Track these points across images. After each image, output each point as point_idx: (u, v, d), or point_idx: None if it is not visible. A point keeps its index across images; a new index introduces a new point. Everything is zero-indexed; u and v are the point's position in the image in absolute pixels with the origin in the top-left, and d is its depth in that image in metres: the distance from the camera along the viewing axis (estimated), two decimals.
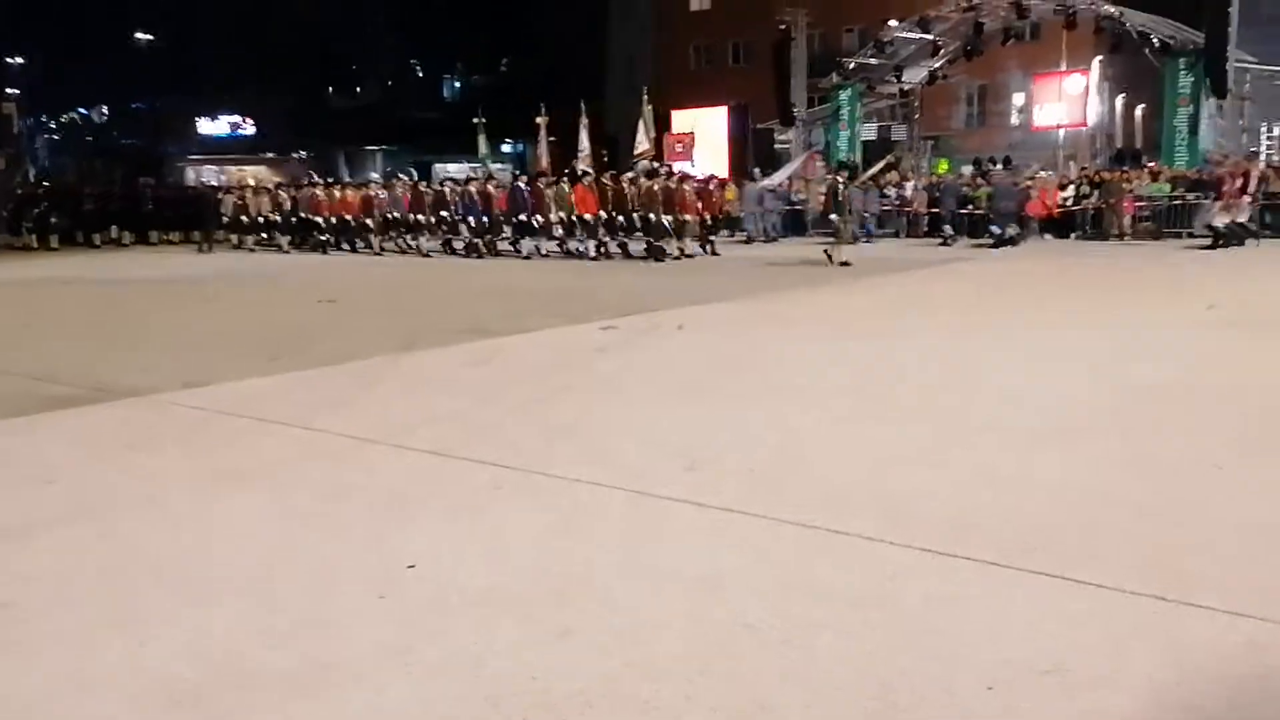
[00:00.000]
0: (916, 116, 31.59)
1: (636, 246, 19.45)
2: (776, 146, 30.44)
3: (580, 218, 19.55)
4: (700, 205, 19.38)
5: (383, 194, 22.77)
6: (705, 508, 4.30)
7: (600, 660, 2.99)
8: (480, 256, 20.61)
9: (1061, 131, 32.18)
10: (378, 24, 60.75)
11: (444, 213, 21.38)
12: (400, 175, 25.07)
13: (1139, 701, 2.69)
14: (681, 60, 45.40)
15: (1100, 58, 32.50)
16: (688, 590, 3.46)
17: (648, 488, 4.59)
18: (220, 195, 26.00)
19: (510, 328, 9.91)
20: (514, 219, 20.47)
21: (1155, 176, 22.35)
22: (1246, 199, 18.71)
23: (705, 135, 33.19)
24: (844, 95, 29.32)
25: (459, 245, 21.38)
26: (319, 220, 23.19)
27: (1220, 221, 18.71)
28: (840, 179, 18.48)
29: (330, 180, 26.67)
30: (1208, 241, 18.74)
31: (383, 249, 22.63)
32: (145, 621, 3.32)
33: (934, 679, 2.83)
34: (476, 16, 60.58)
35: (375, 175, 39.27)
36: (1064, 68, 32.00)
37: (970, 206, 22.61)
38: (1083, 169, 24.45)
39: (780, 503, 4.33)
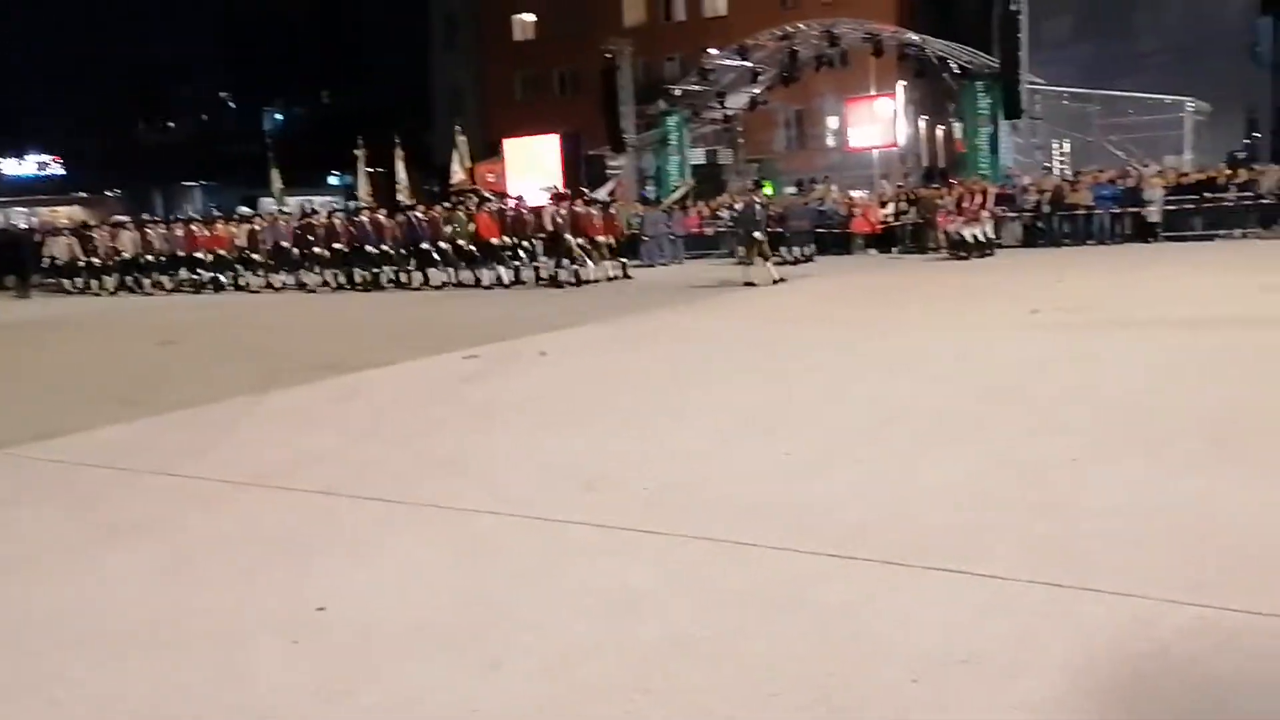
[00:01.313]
0: (740, 141, 32.69)
1: (543, 273, 19.22)
2: (609, 172, 30.88)
3: (486, 244, 19.14)
4: (604, 229, 19.31)
5: (262, 228, 21.99)
6: (610, 529, 4.33)
7: (537, 688, 2.98)
8: (367, 290, 19.98)
9: (875, 152, 33.95)
10: (189, 56, 58.30)
11: (336, 245, 20.56)
12: (276, 208, 24.24)
13: (1055, 685, 2.86)
14: (508, 90, 45.50)
15: (904, 82, 34.51)
16: (611, 612, 3.48)
17: (547, 513, 4.59)
18: (42, 237, 24.35)
19: (368, 362, 9.67)
20: (411, 248, 19.90)
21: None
22: (986, 214, 20.52)
23: (538, 163, 33.35)
24: (671, 121, 30.06)
25: (356, 279, 20.63)
26: (198, 257, 22.19)
27: (967, 234, 20.49)
28: (757, 199, 18.47)
29: (211, 216, 25.68)
30: (954, 255, 20.60)
31: (270, 283, 21.76)
32: (53, 684, 3.12)
33: (863, 677, 2.96)
34: (294, 47, 58.98)
35: (192, 212, 37.40)
36: (873, 92, 33.83)
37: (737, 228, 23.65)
38: (899, 186, 25.83)
39: (683, 519, 4.41)
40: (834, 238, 23.50)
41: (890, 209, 23.61)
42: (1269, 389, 6.71)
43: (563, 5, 42.42)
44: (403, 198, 26.13)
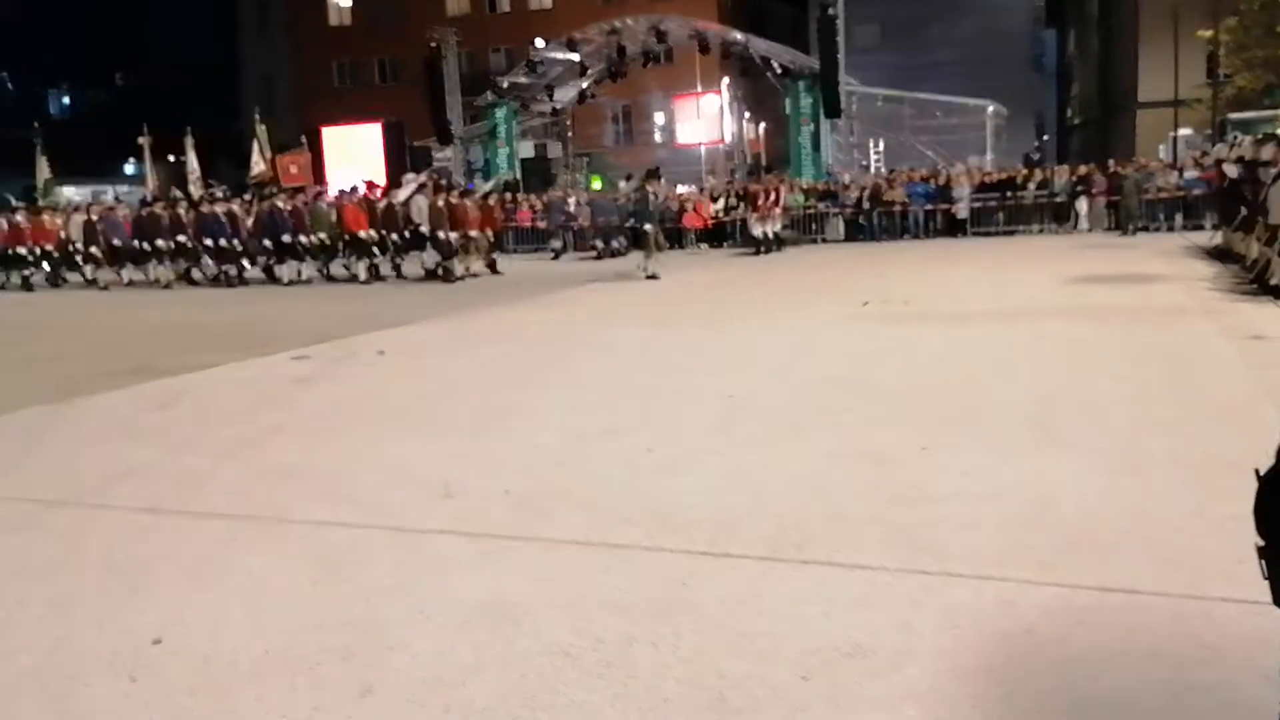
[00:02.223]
0: (569, 134, 32.63)
1: (411, 267, 18.41)
2: (435, 164, 30.22)
3: (353, 236, 18.04)
4: (482, 222, 18.59)
5: (99, 219, 19.82)
6: (475, 536, 4.14)
7: (415, 713, 2.78)
8: (230, 285, 18.56)
9: (703, 148, 34.58)
10: None
11: (181, 237, 18.92)
12: (118, 198, 22.00)
13: (937, 673, 2.90)
14: (325, 77, 43.82)
15: (729, 80, 35.32)
16: (486, 625, 3.31)
17: (406, 523, 4.35)
18: None
19: (188, 365, 9.03)
20: (273, 241, 18.51)
21: (790, 188, 24.59)
22: (778, 211, 21.48)
23: (360, 153, 32.24)
24: (499, 114, 29.70)
25: (200, 275, 19.15)
26: (20, 252, 19.96)
27: (758, 231, 21.36)
28: (651, 189, 17.93)
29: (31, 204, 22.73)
30: (752, 250, 21.35)
31: (96, 280, 19.81)
32: None
33: (754, 677, 2.90)
34: (81, 26, 54.87)
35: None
36: (699, 89, 34.44)
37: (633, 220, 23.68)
38: (728, 182, 26.37)
39: (550, 523, 4.27)
40: (666, 233, 23.71)
41: (720, 204, 24.04)
42: (1082, 375, 7.16)
43: None
44: (194, 189, 24.80)
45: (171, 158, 28.21)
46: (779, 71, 28.53)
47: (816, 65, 27.42)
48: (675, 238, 23.59)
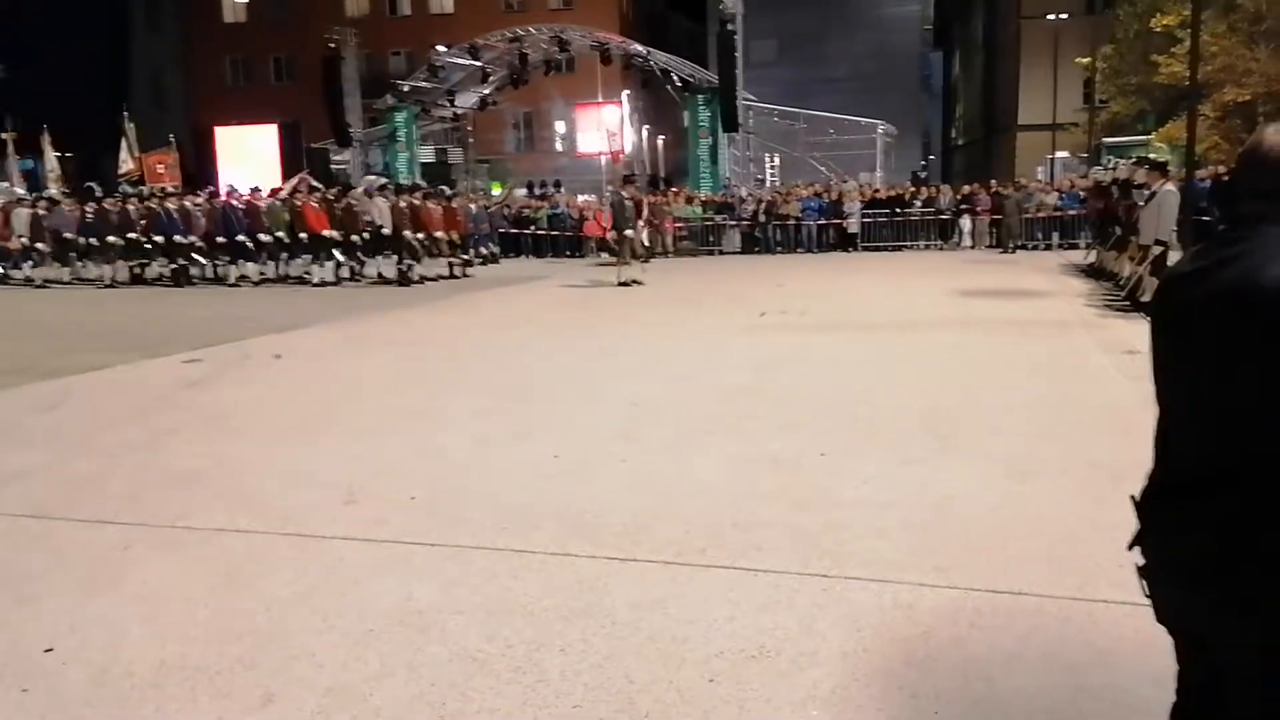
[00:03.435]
0: (470, 140, 32.37)
1: (371, 269, 17.83)
2: (333, 167, 29.60)
3: (314, 236, 17.25)
4: (446, 224, 18.03)
5: (45, 213, 18.58)
6: (379, 543, 4.09)
7: None
8: (179, 284, 17.67)
9: (603, 158, 34.68)
10: None
11: (131, 234, 17.88)
12: (57, 192, 20.35)
13: (839, 674, 2.99)
14: (217, 74, 42.50)
15: (629, 91, 35.53)
16: (393, 632, 3.28)
17: (308, 529, 4.27)
18: None
19: (75, 366, 8.68)
20: (225, 240, 17.65)
21: (689, 200, 24.87)
22: (642, 223, 21.90)
23: (254, 154, 31.35)
24: (400, 117, 29.29)
25: (152, 273, 18.12)
26: None
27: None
28: (625, 194, 17.64)
29: None
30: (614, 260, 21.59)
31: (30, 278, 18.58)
32: None
33: (661, 680, 2.95)
34: None
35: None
36: (600, 99, 34.57)
37: (533, 227, 23.72)
38: (646, 193, 26.48)
39: (455, 528, 4.25)
40: (567, 241, 23.78)
41: None
42: (973, 385, 7.42)
43: None
44: (53, 188, 23.82)
45: (9, 158, 26.86)
46: (679, 84, 28.87)
47: (715, 79, 27.83)
48: (575, 246, 23.64)
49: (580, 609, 3.44)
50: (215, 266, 18.28)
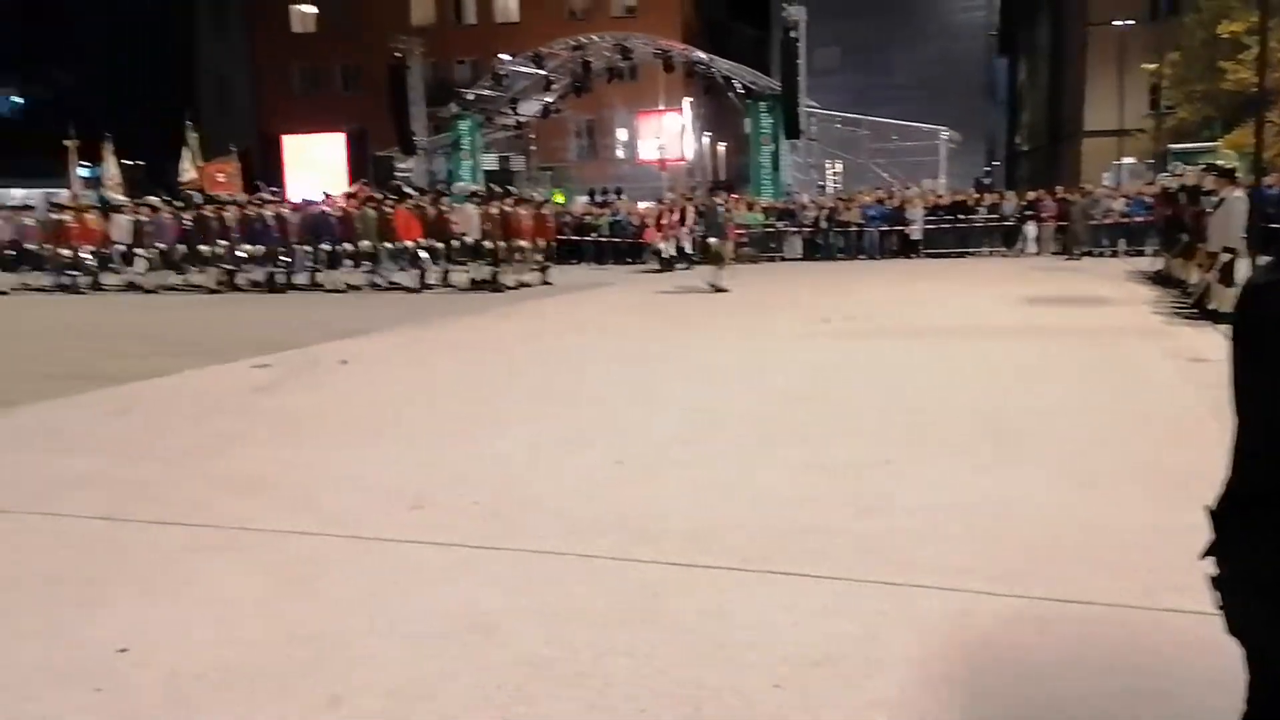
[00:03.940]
0: (533, 148, 32.63)
1: (460, 276, 18.02)
2: (398, 174, 30.05)
3: (403, 245, 17.43)
4: (534, 231, 18.05)
5: (148, 220, 19.01)
6: (445, 547, 4.12)
7: None
8: (275, 291, 17.91)
9: (665, 165, 34.76)
10: None
11: (224, 241, 18.20)
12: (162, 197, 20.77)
13: (904, 681, 2.94)
14: (285, 83, 43.39)
15: (691, 99, 35.57)
16: (457, 636, 3.29)
17: (373, 533, 4.31)
18: None
19: (139, 371, 8.89)
20: (317, 247, 17.98)
21: (750, 207, 24.80)
22: (684, 230, 21.80)
23: (321, 162, 31.95)
24: (464, 125, 29.64)
25: (244, 280, 18.46)
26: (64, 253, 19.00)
27: (663, 248, 21.81)
28: (719, 201, 17.58)
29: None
30: (657, 266, 21.76)
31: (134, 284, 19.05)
32: None
33: (726, 686, 2.92)
34: (33, 24, 53.67)
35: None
36: (662, 107, 34.65)
37: (594, 234, 23.86)
38: (686, 199, 26.50)
39: (519, 534, 4.26)
40: (628, 248, 23.86)
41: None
42: (1036, 391, 7.30)
43: None
44: (113, 194, 24.46)
45: (124, 162, 27.65)
46: (741, 92, 28.81)
47: (778, 86, 27.73)
48: (636, 252, 23.71)
49: (644, 614, 3.42)
50: (314, 273, 18.49)
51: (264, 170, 32.80)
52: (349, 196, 20.38)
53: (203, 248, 18.41)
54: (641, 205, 27.50)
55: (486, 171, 30.19)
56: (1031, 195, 24.11)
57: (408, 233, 17.43)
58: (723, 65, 29.02)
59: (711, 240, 16.63)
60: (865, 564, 3.83)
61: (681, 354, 9.75)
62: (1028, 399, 7.04)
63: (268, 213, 18.52)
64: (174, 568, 4.00)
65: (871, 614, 3.40)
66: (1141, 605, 3.36)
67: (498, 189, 19.69)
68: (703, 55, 29.13)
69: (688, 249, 21.79)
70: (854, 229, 23.73)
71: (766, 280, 19.22)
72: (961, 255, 22.98)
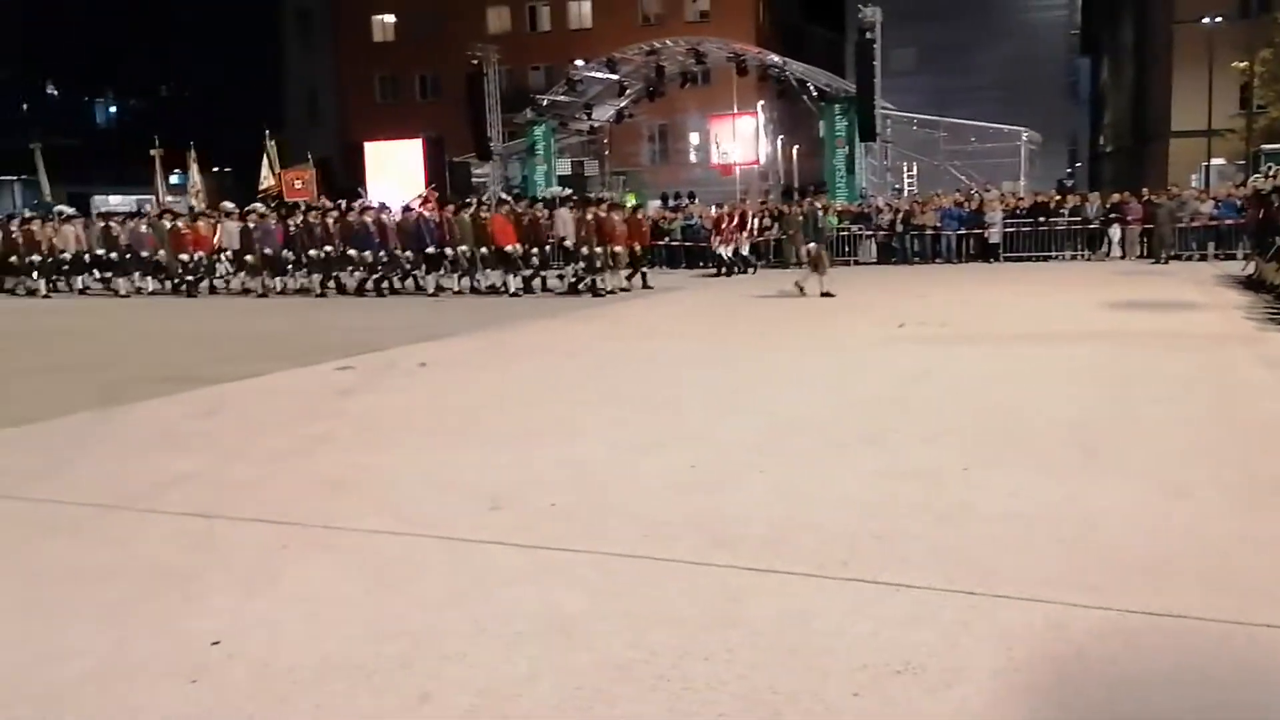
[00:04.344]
0: (606, 153, 32.84)
1: (557, 281, 18.28)
2: (474, 180, 30.50)
3: (498, 250, 17.64)
4: (630, 236, 18.02)
5: (251, 226, 19.49)
6: (525, 548, 4.19)
7: None
8: (381, 295, 18.33)
9: (737, 169, 34.67)
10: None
11: (329, 248, 18.65)
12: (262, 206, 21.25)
13: (989, 692, 2.91)
14: (367, 91, 44.37)
15: (763, 102, 35.41)
16: (540, 636, 3.35)
17: (456, 533, 4.40)
18: None
19: (227, 374, 9.16)
20: (418, 252, 18.26)
21: (824, 210, 24.57)
22: (744, 235, 21.53)
23: (400, 168, 32.58)
24: (538, 131, 29.95)
25: (351, 284, 18.91)
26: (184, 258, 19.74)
27: (724, 252, 21.52)
28: (818, 205, 17.44)
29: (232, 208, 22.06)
30: (713, 270, 21.56)
31: (246, 288, 19.73)
32: None
33: (806, 692, 2.93)
34: (126, 36, 55.76)
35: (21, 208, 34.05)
36: (735, 110, 34.57)
37: (667, 238, 23.92)
38: (762, 203, 26.40)
39: (598, 536, 4.31)
40: (700, 251, 23.81)
41: (755, 224, 24.06)
42: (1123, 398, 7.14)
43: (424, 7, 41.71)
44: (194, 202, 25.25)
45: (204, 173, 28.61)
46: (815, 94, 28.61)
47: (853, 88, 27.48)
48: (708, 256, 23.65)
49: (723, 619, 3.44)
50: (416, 278, 18.74)
51: (347, 177, 33.59)
52: (423, 201, 20.70)
53: (312, 252, 18.80)
54: (713, 209, 27.46)
55: (560, 176, 30.50)
56: (1116, 197, 23.46)
57: (504, 238, 17.60)
58: (796, 68, 28.84)
59: (812, 245, 16.38)
60: (945, 572, 3.80)
61: (755, 358, 9.74)
62: (1112, 406, 6.89)
63: (368, 218, 18.86)
64: (266, 564, 4.13)
65: (952, 624, 3.37)
66: (1236, 620, 3.29)
67: (591, 195, 19.67)
68: (776, 58, 28.99)
69: (744, 252, 21.66)
70: (930, 232, 23.38)
71: (840, 285, 18.95)
72: (1043, 259, 22.49)
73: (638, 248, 18.41)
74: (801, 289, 15.65)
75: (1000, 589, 3.63)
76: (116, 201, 35.89)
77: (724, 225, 21.68)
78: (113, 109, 62.36)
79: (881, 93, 27.88)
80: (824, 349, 10.22)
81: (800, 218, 18.25)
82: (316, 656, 3.24)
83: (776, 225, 23.44)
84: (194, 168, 27.39)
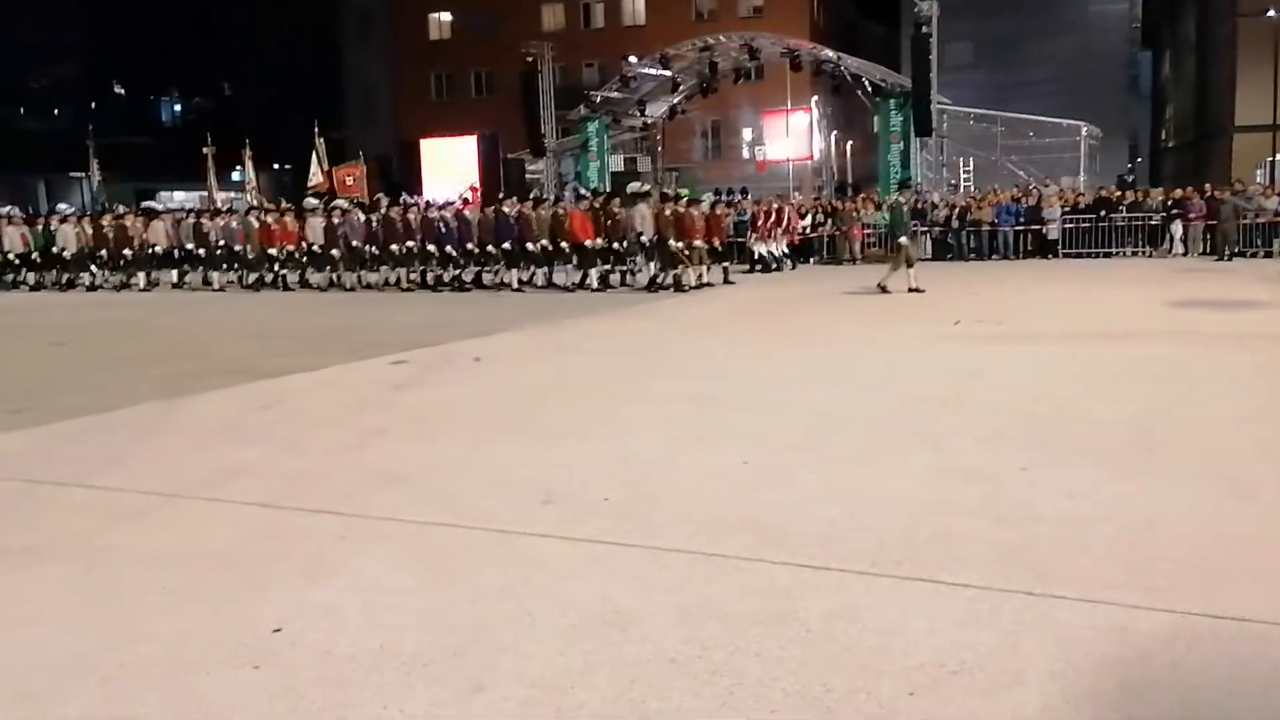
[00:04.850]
0: (659, 149, 32.82)
1: (638, 276, 18.32)
2: (528, 176, 30.68)
3: (577, 246, 17.74)
4: (708, 232, 17.97)
5: (336, 221, 19.74)
6: (578, 542, 4.22)
7: (527, 713, 2.85)
8: (460, 289, 18.58)
9: (790, 164, 34.46)
10: (68, 39, 55.29)
11: (410, 243, 18.90)
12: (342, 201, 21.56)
13: (1048, 695, 2.87)
14: (423, 89, 44.84)
15: (817, 97, 35.15)
16: (594, 629, 3.37)
17: (510, 526, 4.45)
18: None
19: (286, 367, 9.33)
20: (499, 247, 18.41)
21: (878, 206, 24.34)
22: (780, 231, 21.26)
23: (455, 165, 32.91)
24: (592, 127, 30.02)
25: (431, 278, 19.15)
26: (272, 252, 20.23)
27: (761, 250, 21.31)
28: (903, 200, 17.20)
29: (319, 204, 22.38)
30: (746, 268, 21.25)
31: (336, 282, 19.97)
32: None
33: (860, 691, 2.91)
34: (190, 36, 57.02)
35: (65, 206, 34.69)
36: (788, 106, 34.36)
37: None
38: (815, 199, 26.26)
39: (651, 531, 4.32)
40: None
41: (808, 220, 23.94)
42: (1184, 398, 6.99)
43: (480, 5, 42.04)
44: (249, 198, 25.67)
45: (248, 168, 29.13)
46: (870, 89, 28.33)
47: (908, 83, 27.14)
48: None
49: (775, 615, 3.43)
50: (496, 272, 18.84)
51: (404, 174, 33.99)
52: (465, 202, 20.91)
53: (393, 247, 18.99)
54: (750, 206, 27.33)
55: (613, 173, 30.54)
56: (1178, 193, 22.92)
57: (583, 233, 17.65)
58: (851, 63, 28.57)
59: (902, 240, 16.00)
60: (1002, 572, 3.75)
61: (808, 355, 9.68)
62: (1176, 405, 6.75)
63: (448, 214, 19.04)
64: (326, 554, 4.20)
65: (1010, 624, 3.33)
66: None
67: (669, 191, 19.62)
68: (830, 53, 28.74)
69: (777, 250, 21.45)
70: (986, 228, 23.04)
71: (893, 281, 18.82)
72: (1104, 256, 22.06)
73: (717, 242, 18.29)
74: (884, 288, 15.25)
75: (1060, 590, 3.58)
76: (181, 198, 36.68)
77: (760, 222, 21.54)
78: (177, 107, 63.73)
79: (937, 88, 27.51)
80: (876, 345, 10.13)
81: (888, 211, 17.99)
82: (375, 645, 3.30)
83: (830, 221, 23.27)
84: (248, 165, 27.89)
